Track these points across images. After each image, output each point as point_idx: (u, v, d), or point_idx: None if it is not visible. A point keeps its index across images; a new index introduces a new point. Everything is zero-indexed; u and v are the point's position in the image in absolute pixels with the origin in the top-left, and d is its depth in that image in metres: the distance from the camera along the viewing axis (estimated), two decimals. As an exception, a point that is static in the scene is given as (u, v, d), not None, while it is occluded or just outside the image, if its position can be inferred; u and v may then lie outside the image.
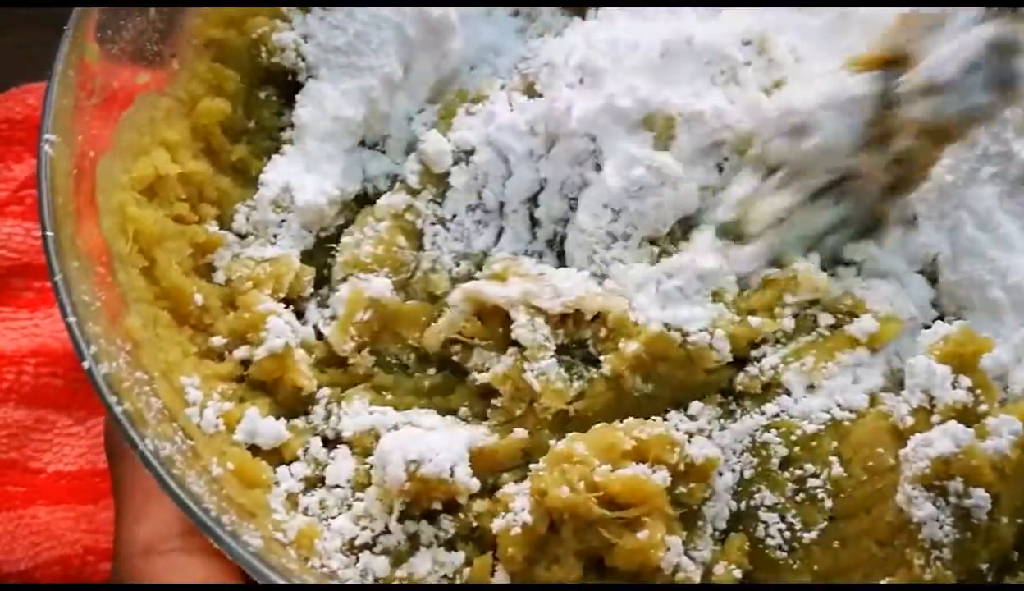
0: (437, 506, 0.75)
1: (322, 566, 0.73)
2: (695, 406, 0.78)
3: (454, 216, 0.85)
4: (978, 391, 0.74)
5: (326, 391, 0.81)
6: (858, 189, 0.80)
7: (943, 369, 0.73)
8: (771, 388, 0.77)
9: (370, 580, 0.74)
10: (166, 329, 0.79)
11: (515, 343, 0.79)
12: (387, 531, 0.76)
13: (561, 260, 0.84)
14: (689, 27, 0.84)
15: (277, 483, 0.76)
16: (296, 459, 0.79)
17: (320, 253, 0.86)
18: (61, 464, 0.99)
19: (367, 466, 0.77)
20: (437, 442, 0.74)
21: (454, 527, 0.76)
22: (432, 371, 0.83)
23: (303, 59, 0.87)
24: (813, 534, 0.74)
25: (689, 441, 0.75)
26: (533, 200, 0.84)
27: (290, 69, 0.88)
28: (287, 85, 0.89)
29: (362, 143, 0.89)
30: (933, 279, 0.83)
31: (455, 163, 0.85)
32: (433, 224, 0.85)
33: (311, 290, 0.85)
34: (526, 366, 0.78)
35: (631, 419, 0.75)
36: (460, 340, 0.81)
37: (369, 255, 0.83)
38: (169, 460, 0.67)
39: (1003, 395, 0.76)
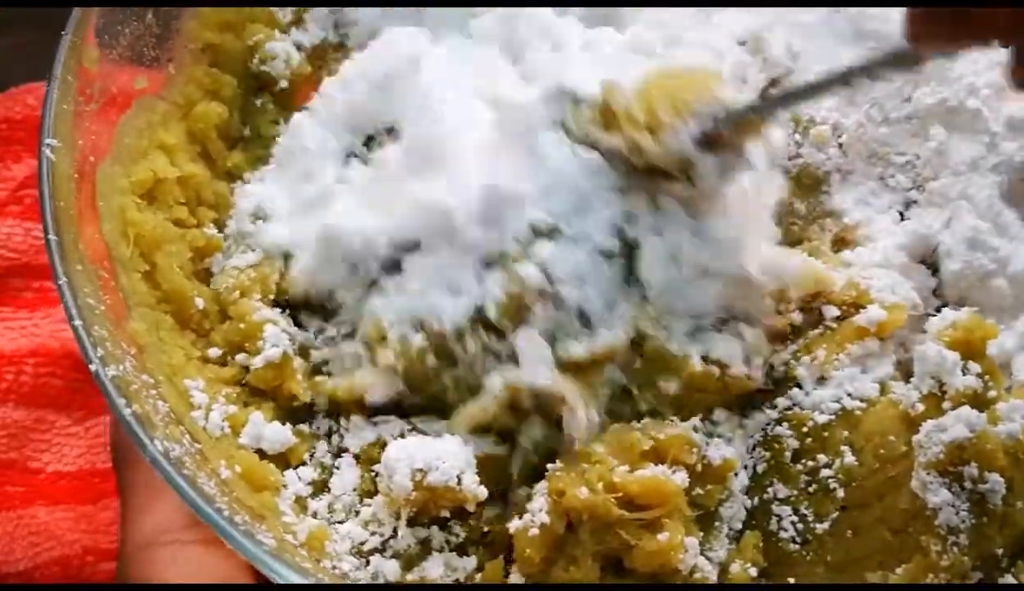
0: (445, 514, 0.75)
1: (334, 567, 0.72)
2: (719, 413, 0.77)
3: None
4: (987, 377, 0.74)
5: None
6: None
7: (952, 355, 0.74)
8: (782, 383, 0.78)
9: (382, 582, 0.73)
10: (169, 333, 0.78)
11: None
12: (396, 535, 0.75)
13: None
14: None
15: (285, 486, 0.76)
16: (303, 463, 0.78)
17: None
18: (60, 464, 0.98)
19: (373, 474, 0.77)
20: (444, 449, 0.73)
21: (465, 532, 0.75)
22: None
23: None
24: (826, 525, 0.74)
25: (707, 443, 0.75)
26: None
27: (277, 78, 0.88)
28: (283, 94, 0.89)
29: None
30: (934, 269, 0.83)
31: None
32: None
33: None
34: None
35: (648, 419, 0.75)
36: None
37: None
38: (179, 461, 0.67)
39: (1008, 382, 0.76)
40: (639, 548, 0.70)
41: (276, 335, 0.79)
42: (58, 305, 0.71)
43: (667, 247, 0.76)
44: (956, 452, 0.69)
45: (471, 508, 0.74)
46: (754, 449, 0.76)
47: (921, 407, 0.73)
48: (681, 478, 0.72)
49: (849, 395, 0.76)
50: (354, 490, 0.77)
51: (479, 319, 0.76)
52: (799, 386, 0.77)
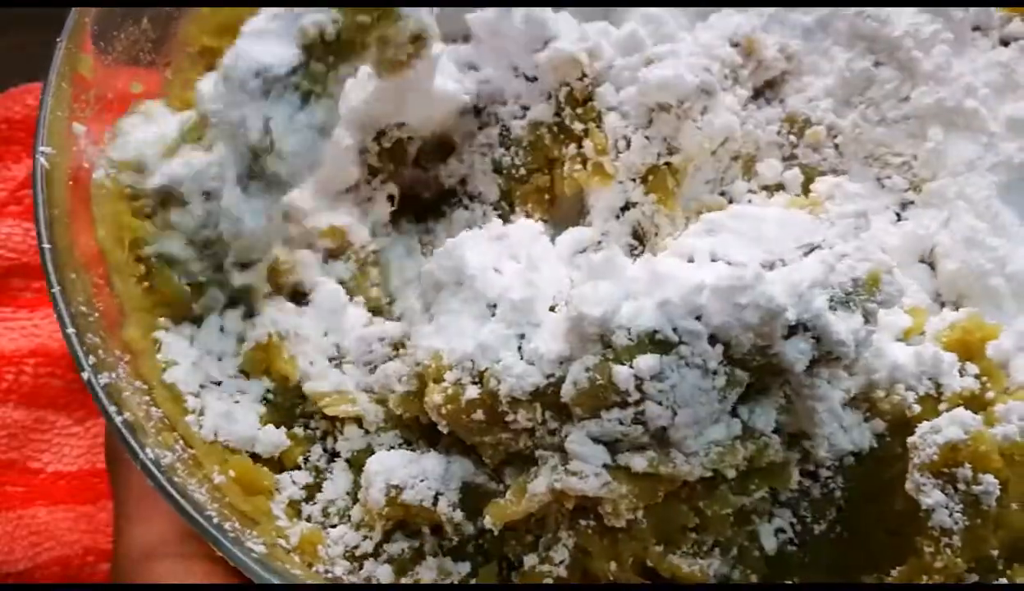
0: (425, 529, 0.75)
1: (326, 571, 0.72)
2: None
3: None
4: (985, 378, 0.73)
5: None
6: None
7: (950, 357, 0.73)
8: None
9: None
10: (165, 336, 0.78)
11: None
12: (389, 540, 0.75)
13: None
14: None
15: (279, 490, 0.76)
16: (298, 467, 0.78)
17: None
18: (60, 464, 0.99)
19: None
20: (429, 468, 0.73)
21: (458, 537, 0.75)
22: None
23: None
24: (823, 526, 0.74)
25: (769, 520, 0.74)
26: None
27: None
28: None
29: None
30: (931, 269, 0.83)
31: None
32: None
33: None
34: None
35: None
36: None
37: None
38: (171, 469, 0.67)
39: (1006, 383, 0.75)
40: None
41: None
42: (58, 306, 0.72)
43: None
44: (950, 453, 0.69)
45: (448, 529, 0.74)
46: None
47: (918, 408, 0.73)
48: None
49: (846, 396, 0.75)
50: (347, 494, 0.77)
51: (546, 394, 0.69)
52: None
